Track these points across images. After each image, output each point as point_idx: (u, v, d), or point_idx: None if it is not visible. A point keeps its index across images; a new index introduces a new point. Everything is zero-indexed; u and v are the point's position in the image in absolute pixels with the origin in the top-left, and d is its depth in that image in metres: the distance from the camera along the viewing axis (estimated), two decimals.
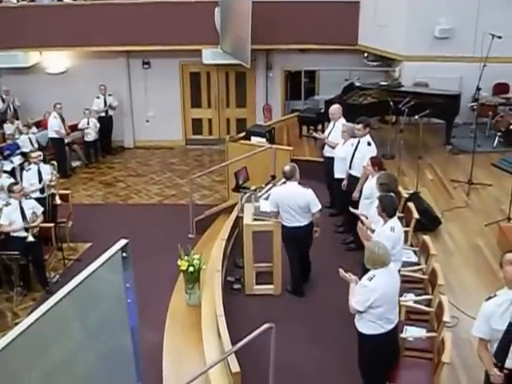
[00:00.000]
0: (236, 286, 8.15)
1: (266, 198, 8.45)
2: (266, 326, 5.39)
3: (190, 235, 10.61)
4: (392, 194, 6.71)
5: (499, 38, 10.19)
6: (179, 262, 7.93)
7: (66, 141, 14.20)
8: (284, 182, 7.99)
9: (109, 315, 3.10)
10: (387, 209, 6.35)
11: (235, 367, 5.88)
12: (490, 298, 4.72)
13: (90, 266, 3.00)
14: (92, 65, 15.10)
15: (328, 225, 9.47)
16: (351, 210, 7.55)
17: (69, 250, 10.54)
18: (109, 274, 3.06)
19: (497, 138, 11.74)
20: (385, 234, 6.25)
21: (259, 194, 8.65)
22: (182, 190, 13.29)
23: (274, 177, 8.76)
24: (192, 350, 7.16)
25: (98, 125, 14.61)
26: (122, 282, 3.17)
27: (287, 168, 7.67)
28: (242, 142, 11.60)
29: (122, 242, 3.11)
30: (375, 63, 14.40)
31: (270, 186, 9.12)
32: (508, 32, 11.18)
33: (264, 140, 11.38)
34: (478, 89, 10.86)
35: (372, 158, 7.81)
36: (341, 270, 5.79)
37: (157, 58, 15.29)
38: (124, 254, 3.11)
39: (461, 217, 9.38)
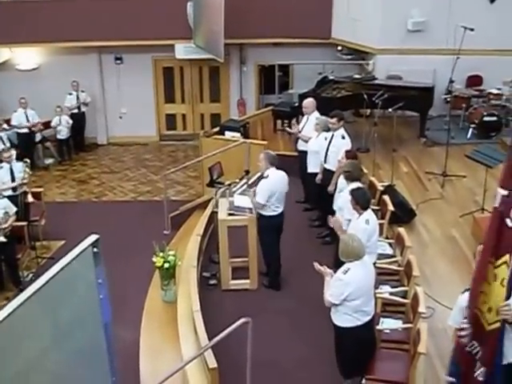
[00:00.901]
0: (212, 282, 8.11)
1: (241, 193, 8.42)
2: (242, 320, 5.36)
3: (165, 231, 10.53)
4: (363, 186, 6.75)
5: (471, 30, 10.25)
6: (154, 259, 7.87)
7: (38, 138, 14.05)
8: (261, 176, 7.93)
9: (81, 311, 3.04)
10: (360, 201, 6.37)
11: (212, 363, 5.85)
12: (466, 290, 4.74)
13: (60, 261, 2.94)
14: (64, 61, 14.87)
15: (303, 219, 9.48)
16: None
17: (42, 249, 10.41)
18: (80, 270, 3.00)
19: (470, 129, 11.84)
20: (360, 226, 6.26)
21: (234, 189, 8.62)
22: (157, 186, 13.18)
23: (247, 172, 8.72)
24: (169, 346, 7.11)
25: (71, 121, 14.42)
26: (94, 278, 3.11)
27: (273, 153, 7.76)
28: (216, 137, 11.54)
29: (93, 237, 3.04)
30: (349, 56, 14.42)
31: (244, 180, 9.09)
32: (480, 24, 11.27)
33: (238, 135, 11.33)
34: (451, 81, 10.92)
35: (347, 152, 7.82)
36: (316, 264, 5.78)
37: (129, 54, 15.11)
38: (95, 250, 3.05)
39: (436, 208, 9.45)
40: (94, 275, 3.10)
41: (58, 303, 2.93)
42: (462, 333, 4.37)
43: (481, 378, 4.29)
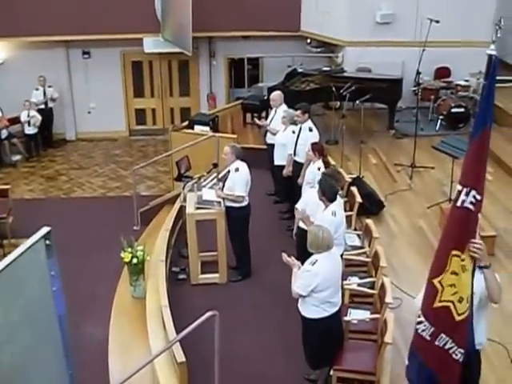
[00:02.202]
0: (181, 277, 8.07)
1: (211, 187, 8.39)
2: (208, 313, 5.32)
3: (135, 227, 10.45)
4: (332, 179, 6.74)
5: (437, 22, 10.31)
6: (122, 254, 7.81)
7: (4, 135, 13.85)
8: (228, 171, 7.91)
9: (34, 304, 3.02)
10: (327, 193, 6.38)
11: (180, 357, 5.83)
12: None
13: (11, 254, 2.90)
14: (30, 56, 14.60)
15: (274, 212, 9.48)
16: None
17: (10, 247, 10.20)
18: (32, 263, 2.96)
19: (439, 121, 11.94)
20: (326, 218, 6.27)
21: (204, 183, 8.57)
22: (126, 181, 13.06)
23: (215, 165, 8.67)
24: (138, 342, 7.06)
25: (40, 117, 14.24)
26: (47, 271, 3.07)
27: (239, 146, 7.85)
28: (185, 131, 11.48)
29: (44, 229, 3.00)
30: (318, 49, 14.44)
31: (214, 174, 9.04)
32: (448, 16, 11.38)
33: (207, 128, 11.27)
34: (418, 73, 10.95)
35: (313, 144, 7.82)
36: (284, 255, 5.78)
37: (97, 48, 14.94)
38: (47, 242, 3.01)
39: (404, 200, 9.51)
40: (46, 267, 3.05)
41: (10, 296, 2.90)
42: (418, 326, 4.37)
43: (457, 357, 4.33)
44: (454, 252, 4.18)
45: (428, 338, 4.40)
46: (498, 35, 4.06)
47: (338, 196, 6.60)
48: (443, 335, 4.32)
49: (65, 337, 3.24)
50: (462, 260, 4.15)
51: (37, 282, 3.00)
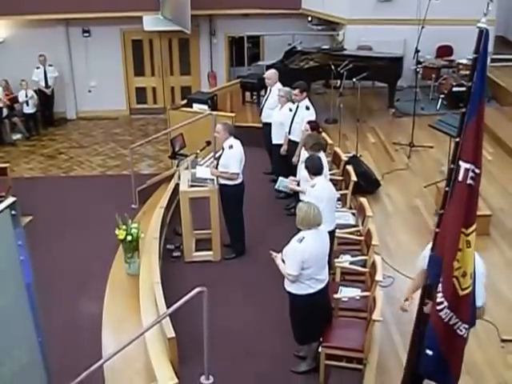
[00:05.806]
0: (175, 254, 8.08)
1: (207, 166, 8.36)
2: (197, 289, 5.38)
3: (133, 205, 10.44)
4: (317, 155, 6.73)
5: None
6: (117, 232, 7.83)
7: (5, 114, 13.83)
8: (222, 149, 7.88)
9: (2, 273, 3.00)
10: (310, 168, 6.47)
11: (170, 332, 5.84)
12: None
13: None
14: (30, 34, 14.56)
15: (270, 191, 9.45)
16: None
17: None
18: None
19: (440, 100, 11.81)
20: (313, 194, 6.31)
21: (202, 162, 8.54)
22: (126, 160, 13.01)
23: (209, 142, 8.63)
24: (131, 318, 7.09)
25: (36, 96, 14.22)
26: (14, 240, 3.06)
27: (230, 123, 7.77)
28: (183, 109, 11.43)
29: (10, 199, 2.99)
30: (319, 27, 14.32)
31: (212, 153, 9.02)
32: None
33: (206, 107, 11.21)
34: (417, 51, 10.80)
35: (309, 122, 7.77)
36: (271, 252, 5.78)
37: (97, 26, 14.86)
38: (13, 212, 3.00)
39: (401, 179, 9.47)
40: (13, 237, 3.05)
41: None
42: (439, 307, 4.39)
43: (462, 332, 4.38)
44: (462, 229, 4.21)
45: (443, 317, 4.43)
46: (489, 8, 3.96)
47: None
48: (447, 310, 4.36)
49: (33, 305, 3.25)
50: (467, 235, 4.20)
51: (4, 251, 3.00)
